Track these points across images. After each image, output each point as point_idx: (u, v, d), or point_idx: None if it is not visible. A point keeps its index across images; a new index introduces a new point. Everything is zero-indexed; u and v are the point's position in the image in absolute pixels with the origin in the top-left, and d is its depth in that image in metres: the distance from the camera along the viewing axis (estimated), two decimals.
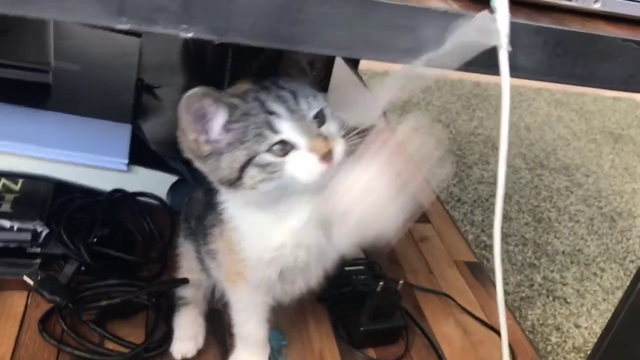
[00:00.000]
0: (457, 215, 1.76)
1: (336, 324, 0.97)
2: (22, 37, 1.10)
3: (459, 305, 1.07)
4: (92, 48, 1.17)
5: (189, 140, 0.64)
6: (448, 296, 1.08)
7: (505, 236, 1.72)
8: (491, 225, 1.73)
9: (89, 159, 0.99)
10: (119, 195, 1.02)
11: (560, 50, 0.55)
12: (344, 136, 0.67)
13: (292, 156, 0.64)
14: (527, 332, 1.40)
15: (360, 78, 1.82)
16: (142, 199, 1.05)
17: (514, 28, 0.53)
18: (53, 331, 0.85)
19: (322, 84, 1.38)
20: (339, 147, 0.65)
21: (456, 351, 0.98)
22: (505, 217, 1.81)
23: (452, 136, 2.22)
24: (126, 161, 1.01)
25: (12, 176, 0.97)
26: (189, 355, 0.85)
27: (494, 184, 1.96)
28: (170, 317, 0.89)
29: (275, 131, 0.63)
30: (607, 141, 2.46)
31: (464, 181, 1.92)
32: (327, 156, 0.64)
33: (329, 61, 1.34)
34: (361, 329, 0.92)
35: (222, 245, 0.76)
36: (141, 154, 1.04)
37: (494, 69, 0.54)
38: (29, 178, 0.97)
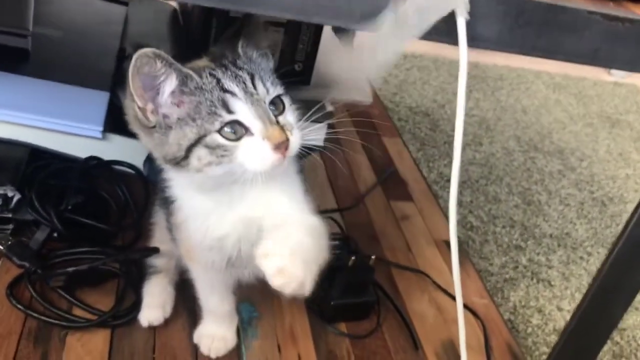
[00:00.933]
0: (445, 195, 1.75)
1: (308, 297, 0.96)
2: (0, 1, 1.08)
3: (434, 282, 1.06)
4: (75, 15, 1.16)
5: (136, 108, 0.62)
6: (424, 274, 1.08)
7: (493, 218, 1.71)
8: (480, 207, 1.74)
9: (63, 125, 0.98)
10: (94, 163, 1.02)
11: (522, 21, 0.54)
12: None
13: (244, 141, 0.61)
14: (508, 313, 1.40)
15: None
16: (118, 167, 1.04)
17: None
18: (21, 297, 0.85)
19: (308, 57, 1.37)
20: (295, 139, 0.63)
21: (428, 327, 0.98)
22: (495, 199, 1.80)
23: (447, 117, 2.20)
24: (101, 128, 1.00)
25: None
26: (156, 323, 0.85)
27: (485, 165, 1.95)
28: (140, 285, 0.89)
29: (229, 111, 0.61)
30: (604, 126, 2.43)
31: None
32: (281, 146, 0.61)
33: (316, 33, 1.32)
34: (332, 303, 0.92)
35: (175, 221, 0.75)
36: (119, 122, 1.03)
37: (453, 38, 0.53)
38: (3, 143, 0.96)
